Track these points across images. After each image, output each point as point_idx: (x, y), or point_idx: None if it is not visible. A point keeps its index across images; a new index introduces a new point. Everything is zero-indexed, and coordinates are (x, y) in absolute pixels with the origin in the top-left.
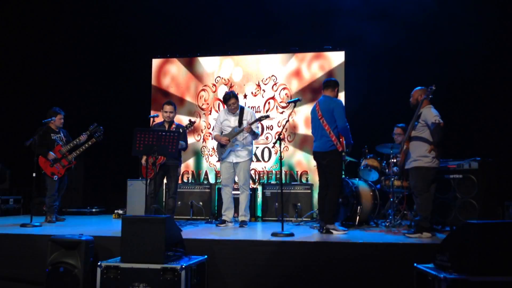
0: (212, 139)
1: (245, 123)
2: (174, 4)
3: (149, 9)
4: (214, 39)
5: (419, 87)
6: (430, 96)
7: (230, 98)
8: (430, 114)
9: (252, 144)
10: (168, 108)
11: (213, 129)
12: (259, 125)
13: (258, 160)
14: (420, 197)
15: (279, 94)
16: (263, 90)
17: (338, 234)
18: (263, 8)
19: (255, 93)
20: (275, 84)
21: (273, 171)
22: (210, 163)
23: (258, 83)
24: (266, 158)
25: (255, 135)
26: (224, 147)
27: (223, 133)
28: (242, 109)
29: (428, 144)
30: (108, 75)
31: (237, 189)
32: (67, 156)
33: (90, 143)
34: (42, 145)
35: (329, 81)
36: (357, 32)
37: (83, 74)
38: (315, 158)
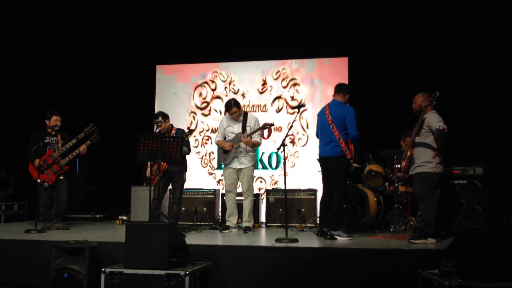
0: (215, 143)
1: (248, 129)
2: (178, 12)
3: (154, 16)
4: (219, 46)
5: (421, 93)
6: (434, 102)
7: (231, 107)
8: (434, 119)
9: (255, 150)
10: (156, 120)
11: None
12: (261, 132)
13: (264, 167)
14: (425, 203)
15: (282, 101)
16: (265, 96)
17: (343, 240)
18: (267, 14)
19: (258, 100)
20: (278, 90)
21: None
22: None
23: (261, 89)
24: (273, 165)
25: (255, 146)
26: (227, 153)
27: (226, 139)
28: (245, 115)
29: (432, 150)
30: (113, 81)
31: (241, 195)
32: (59, 161)
33: (84, 146)
34: (33, 150)
35: (341, 86)
36: (361, 38)
37: (88, 80)
38: (321, 164)
